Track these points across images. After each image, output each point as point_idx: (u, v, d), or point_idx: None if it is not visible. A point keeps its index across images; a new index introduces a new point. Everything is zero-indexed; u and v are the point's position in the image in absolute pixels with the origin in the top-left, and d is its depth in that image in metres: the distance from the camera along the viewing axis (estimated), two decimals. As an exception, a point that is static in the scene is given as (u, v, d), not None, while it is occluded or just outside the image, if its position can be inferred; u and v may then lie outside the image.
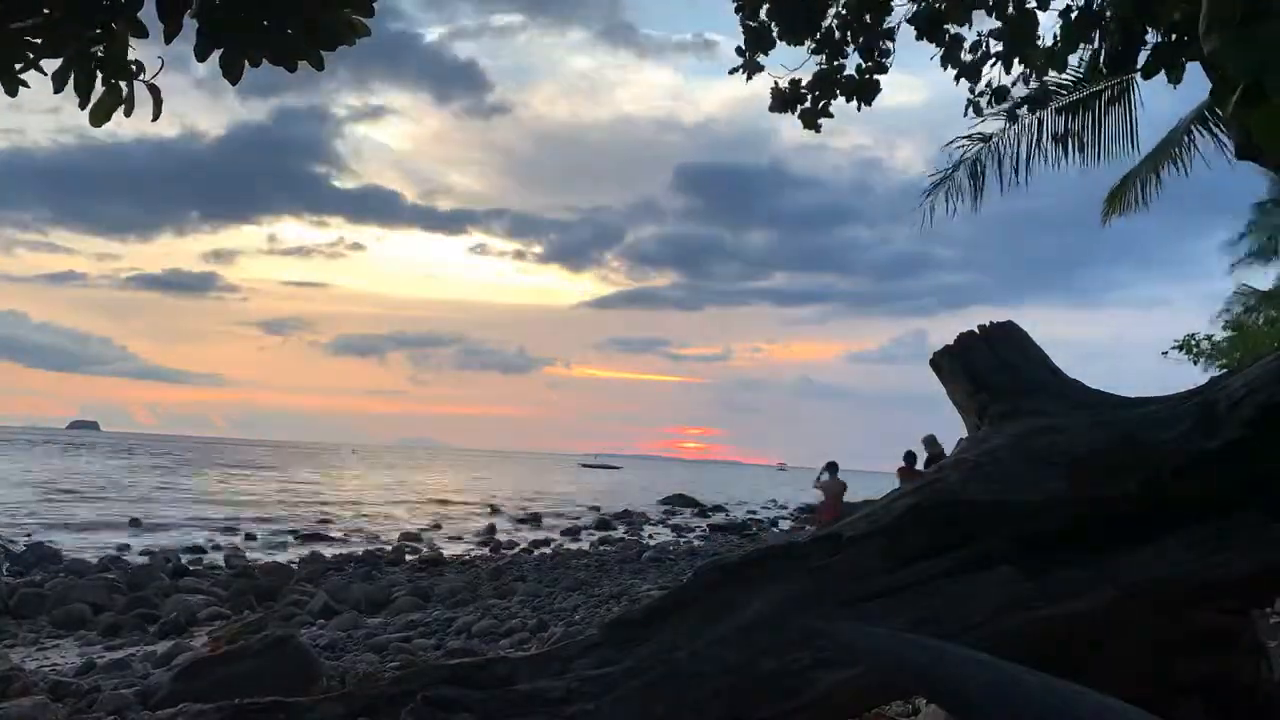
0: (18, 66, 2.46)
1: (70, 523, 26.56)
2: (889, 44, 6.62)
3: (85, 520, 27.32)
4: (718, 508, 48.86)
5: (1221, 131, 9.94)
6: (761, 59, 6.62)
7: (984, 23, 6.48)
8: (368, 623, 12.80)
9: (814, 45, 6.57)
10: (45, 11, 2.42)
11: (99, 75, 2.52)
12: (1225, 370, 4.33)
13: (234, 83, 2.49)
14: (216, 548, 22.88)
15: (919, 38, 6.42)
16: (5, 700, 7.03)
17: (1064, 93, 9.68)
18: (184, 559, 20.03)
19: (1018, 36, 6.34)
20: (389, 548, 23.68)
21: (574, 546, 26.51)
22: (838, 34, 6.54)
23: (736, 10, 6.49)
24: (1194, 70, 5.41)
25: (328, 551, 22.50)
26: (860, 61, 6.67)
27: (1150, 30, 5.57)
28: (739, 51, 6.58)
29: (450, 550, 23.79)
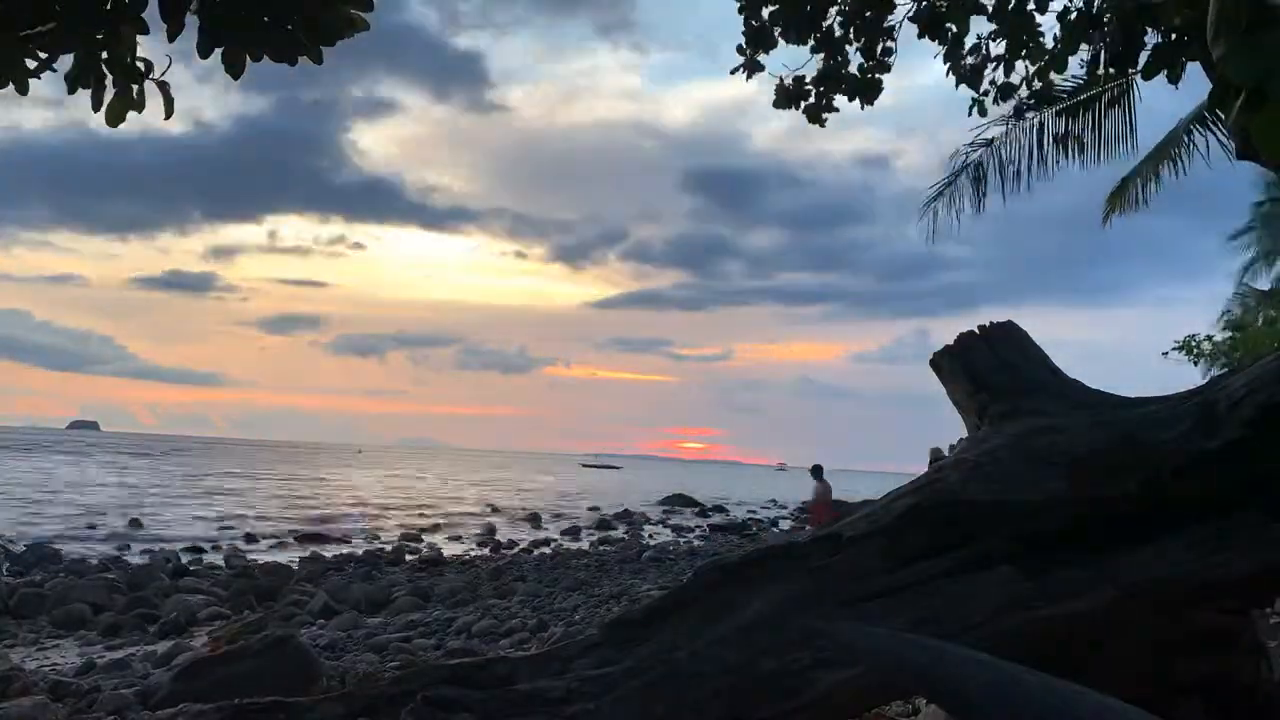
0: (31, 65, 2.47)
1: (70, 523, 26.56)
2: (891, 43, 6.62)
3: (85, 520, 27.32)
4: (718, 508, 48.85)
5: (1221, 131, 9.95)
6: (762, 58, 6.63)
7: (984, 25, 6.49)
8: (368, 623, 12.81)
9: (815, 44, 6.57)
10: (55, 9, 2.43)
11: (109, 77, 2.52)
12: (1225, 370, 4.33)
13: (235, 78, 2.50)
14: (216, 548, 22.88)
15: (921, 36, 6.43)
16: (5, 700, 7.03)
17: (1064, 95, 9.68)
18: (184, 559, 20.04)
19: (1017, 39, 6.34)
20: (389, 548, 23.68)
21: (574, 546, 26.51)
22: (839, 32, 6.54)
23: (740, 10, 6.49)
24: (1194, 70, 5.41)
25: (328, 551, 22.50)
26: (862, 61, 6.67)
27: (1150, 30, 5.57)
28: (740, 50, 6.58)
29: (450, 550, 23.80)
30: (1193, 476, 2.89)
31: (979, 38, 6.51)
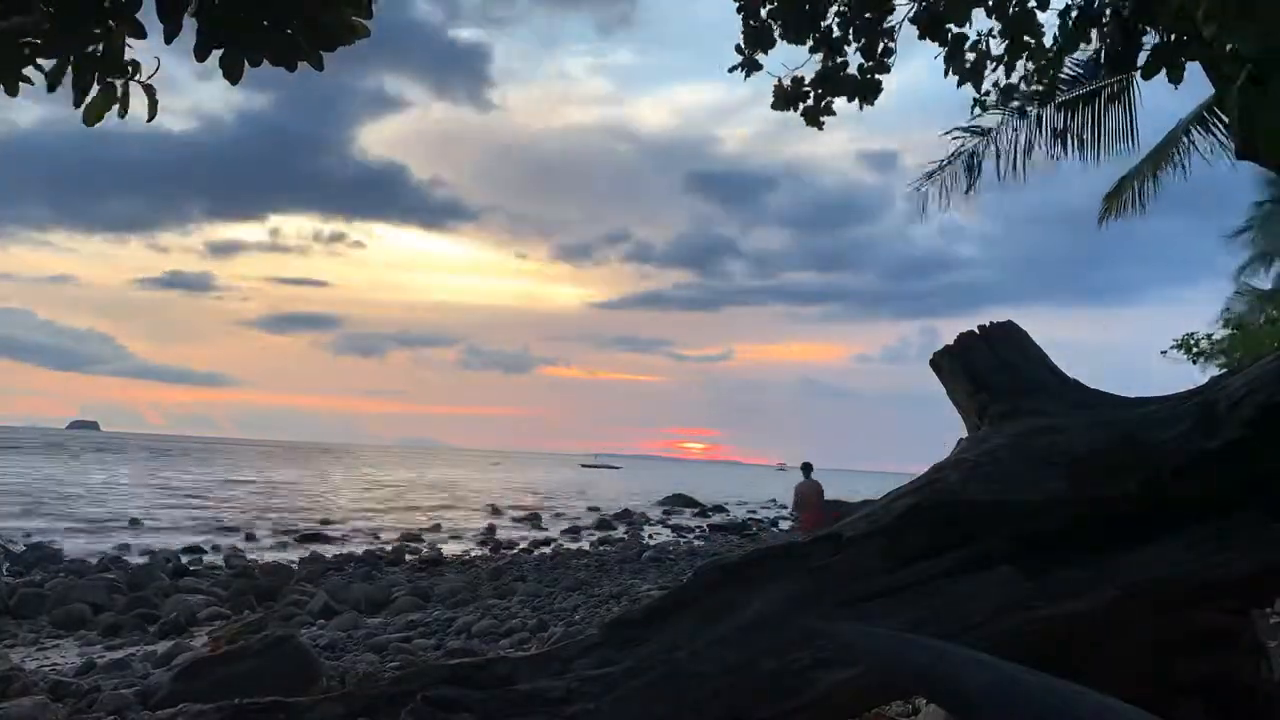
0: (24, 70, 2.46)
1: (70, 523, 26.56)
2: (890, 43, 6.62)
3: (85, 520, 27.32)
4: (718, 508, 48.85)
5: (1221, 132, 9.94)
6: (760, 58, 6.62)
7: (984, 22, 6.48)
8: (368, 623, 12.81)
9: (814, 44, 6.56)
10: (45, 9, 2.42)
11: (95, 74, 2.52)
12: (1225, 370, 4.34)
13: (234, 83, 2.50)
14: (216, 548, 22.87)
15: (921, 37, 6.42)
16: (5, 700, 7.04)
17: (1063, 89, 9.65)
18: (184, 559, 20.03)
19: (1018, 36, 6.34)
20: (389, 548, 23.67)
21: (574, 546, 26.51)
22: (838, 32, 6.54)
23: (738, 10, 6.49)
24: (1194, 70, 5.41)
25: (328, 551, 22.50)
26: (862, 61, 6.67)
27: (1150, 30, 5.57)
28: (738, 50, 6.58)
29: (450, 550, 23.79)
30: (1193, 476, 2.89)
31: (979, 35, 6.51)
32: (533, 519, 36.37)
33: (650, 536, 31.07)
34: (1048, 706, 1.27)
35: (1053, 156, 9.96)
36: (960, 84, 6.65)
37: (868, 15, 6.45)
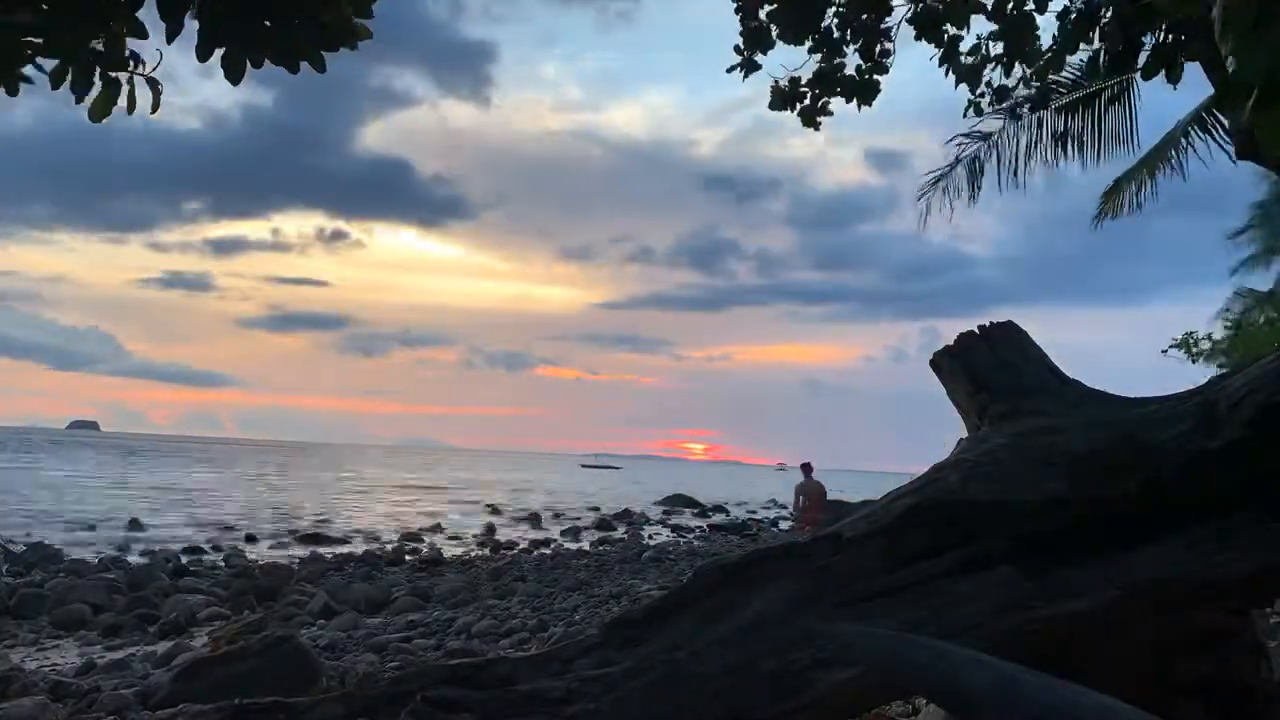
0: (24, 70, 2.46)
1: (70, 523, 26.56)
2: (888, 44, 6.63)
3: (85, 520, 27.31)
4: (718, 508, 48.84)
5: (1221, 132, 9.93)
6: (759, 58, 6.63)
7: (983, 25, 6.49)
8: (368, 623, 12.80)
9: (812, 45, 6.57)
10: (44, 7, 2.42)
11: (96, 71, 2.51)
12: (1225, 370, 4.34)
13: (235, 83, 2.50)
14: (216, 548, 22.86)
15: (918, 38, 6.43)
16: (5, 700, 7.04)
17: (1063, 91, 9.65)
18: (184, 559, 20.02)
19: (1016, 39, 6.34)
20: (389, 548, 23.66)
21: (574, 546, 26.50)
22: (836, 33, 6.54)
23: (736, 10, 6.49)
24: (1193, 70, 5.42)
25: (328, 551, 22.49)
26: (860, 62, 6.67)
27: (1149, 31, 5.58)
28: (737, 50, 6.59)
29: (450, 550, 23.78)
30: (1193, 476, 2.89)
31: (979, 38, 6.52)
32: (533, 519, 36.35)
33: (650, 536, 31.06)
34: (1048, 706, 1.27)
35: (1054, 160, 9.97)
36: (958, 84, 6.66)
37: (865, 17, 6.46)
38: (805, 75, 6.76)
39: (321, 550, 22.69)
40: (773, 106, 6.82)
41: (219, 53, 2.50)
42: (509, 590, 15.94)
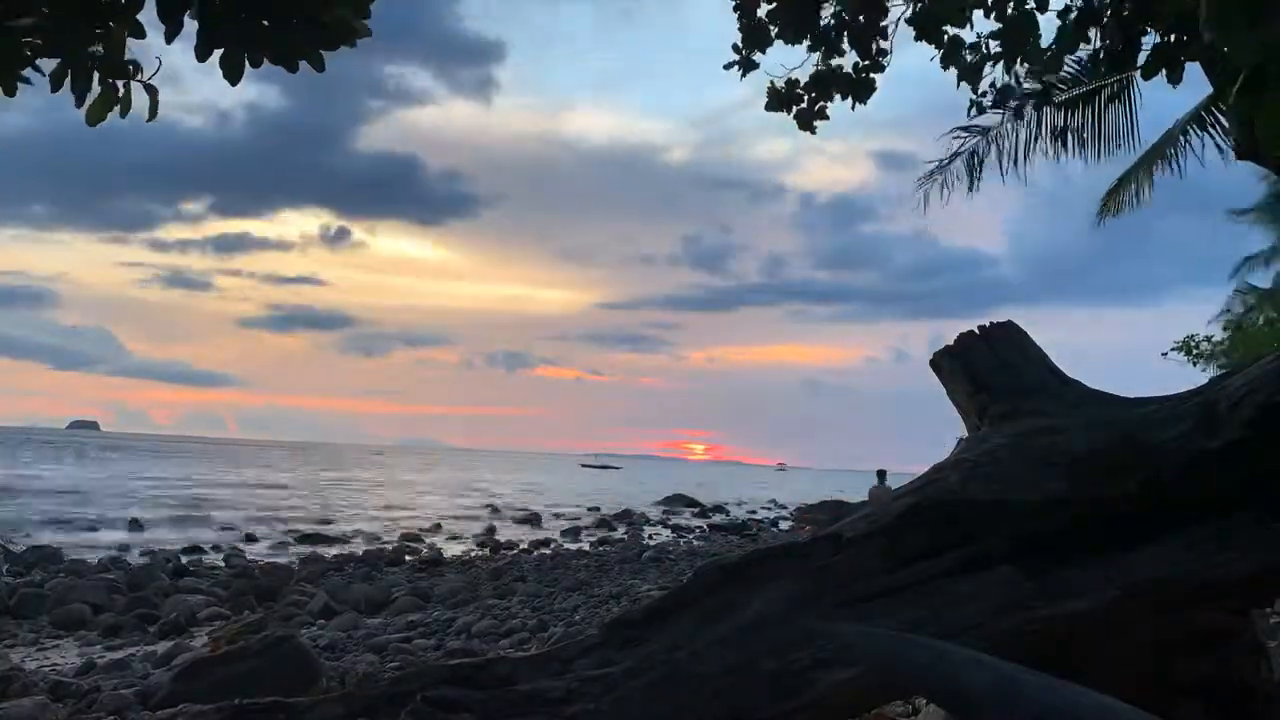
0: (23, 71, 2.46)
1: (70, 523, 26.56)
2: (885, 43, 6.61)
3: (85, 520, 27.32)
4: (718, 508, 48.84)
5: (1220, 132, 9.93)
6: (757, 56, 6.62)
7: (983, 23, 6.48)
8: (368, 623, 12.81)
9: (811, 43, 6.56)
10: (44, 10, 2.42)
11: (95, 75, 2.52)
12: (1225, 370, 4.35)
13: (234, 83, 2.49)
14: (216, 548, 22.87)
15: (918, 38, 6.42)
16: (5, 700, 7.04)
17: (1063, 88, 9.63)
18: (184, 559, 20.03)
19: (1016, 37, 6.33)
20: (389, 548, 23.66)
21: (574, 546, 26.50)
22: (834, 33, 6.53)
23: (734, 9, 6.49)
24: (1193, 70, 5.41)
25: (328, 551, 22.51)
26: (857, 60, 6.66)
27: (1150, 30, 5.57)
28: (735, 49, 6.58)
29: (450, 550, 23.79)
30: (1193, 476, 2.89)
31: (979, 36, 6.51)
32: (533, 519, 36.36)
33: (650, 536, 31.07)
34: (1048, 706, 1.27)
35: (1054, 157, 9.95)
36: (959, 82, 6.65)
37: (862, 17, 6.45)
38: (802, 76, 6.76)
39: (321, 550, 22.70)
40: (769, 108, 6.81)
41: (218, 53, 2.50)
42: (509, 590, 15.94)
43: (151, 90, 2.59)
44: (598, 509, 42.78)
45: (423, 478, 70.66)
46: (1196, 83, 5.73)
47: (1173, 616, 2.96)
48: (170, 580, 16.34)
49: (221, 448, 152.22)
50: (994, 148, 10.59)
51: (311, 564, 19.69)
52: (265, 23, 2.46)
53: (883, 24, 6.55)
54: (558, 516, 38.43)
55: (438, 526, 31.24)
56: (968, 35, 6.52)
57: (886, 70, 6.75)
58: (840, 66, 6.65)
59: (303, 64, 2.55)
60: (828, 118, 6.83)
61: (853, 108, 6.81)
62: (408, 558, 21.63)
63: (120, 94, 2.57)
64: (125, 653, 10.80)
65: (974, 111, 7.03)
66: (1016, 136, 10.29)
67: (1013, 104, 7.27)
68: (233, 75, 2.50)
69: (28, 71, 2.52)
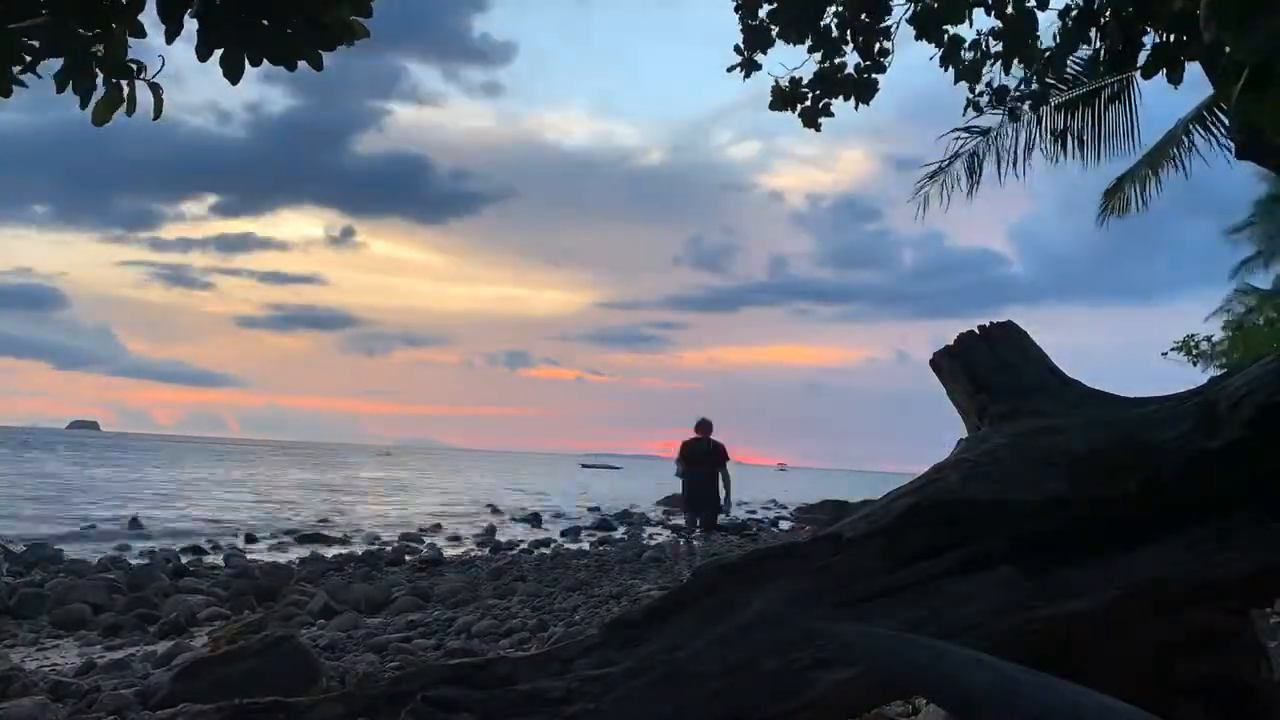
0: (16, 70, 2.47)
1: (70, 522, 26.55)
2: (887, 43, 6.63)
3: (85, 520, 27.31)
4: (718, 508, 48.73)
5: (1221, 132, 9.93)
6: (759, 57, 6.63)
7: (983, 22, 6.49)
8: (368, 623, 12.79)
9: (813, 44, 6.57)
10: (44, 12, 2.43)
11: (99, 75, 2.52)
12: (1225, 370, 4.35)
13: (234, 82, 2.50)
14: (216, 548, 22.86)
15: (918, 38, 6.43)
16: (5, 700, 7.04)
17: (1063, 88, 9.63)
18: (184, 559, 20.02)
19: (1017, 36, 6.34)
20: (389, 548, 23.65)
21: (574, 546, 26.48)
22: (835, 33, 6.54)
23: (736, 9, 6.50)
24: (1194, 70, 5.42)
25: (328, 551, 22.48)
26: (859, 60, 6.67)
27: (1150, 30, 5.57)
28: (737, 50, 6.59)
29: (450, 550, 23.77)
30: (1193, 476, 2.89)
31: (979, 34, 6.51)
32: (533, 519, 36.34)
33: (650, 537, 31.04)
34: (1048, 706, 1.27)
35: (1053, 159, 9.95)
36: (957, 80, 6.66)
37: (864, 17, 6.46)
38: (805, 75, 6.77)
39: (321, 550, 22.69)
40: (773, 107, 6.83)
41: (218, 52, 2.50)
42: (509, 590, 15.93)
43: (156, 89, 2.60)
44: (598, 509, 42.76)
45: (423, 478, 70.64)
46: (1197, 84, 5.73)
47: (1173, 616, 2.96)
48: (170, 580, 16.32)
49: (222, 447, 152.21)
50: (994, 149, 10.59)
51: (311, 564, 19.67)
52: (265, 22, 2.46)
53: (884, 24, 6.56)
54: (558, 516, 38.42)
55: (438, 526, 31.22)
56: (967, 33, 6.53)
57: (888, 70, 6.76)
58: (843, 65, 6.67)
59: (301, 64, 2.55)
60: (832, 115, 6.85)
61: (856, 108, 6.83)
62: (408, 557, 21.61)
63: (125, 93, 2.57)
64: (125, 653, 10.78)
65: (970, 112, 7.05)
66: (1016, 138, 10.30)
67: (1009, 104, 7.28)
68: (233, 75, 2.50)
69: (27, 73, 2.53)
